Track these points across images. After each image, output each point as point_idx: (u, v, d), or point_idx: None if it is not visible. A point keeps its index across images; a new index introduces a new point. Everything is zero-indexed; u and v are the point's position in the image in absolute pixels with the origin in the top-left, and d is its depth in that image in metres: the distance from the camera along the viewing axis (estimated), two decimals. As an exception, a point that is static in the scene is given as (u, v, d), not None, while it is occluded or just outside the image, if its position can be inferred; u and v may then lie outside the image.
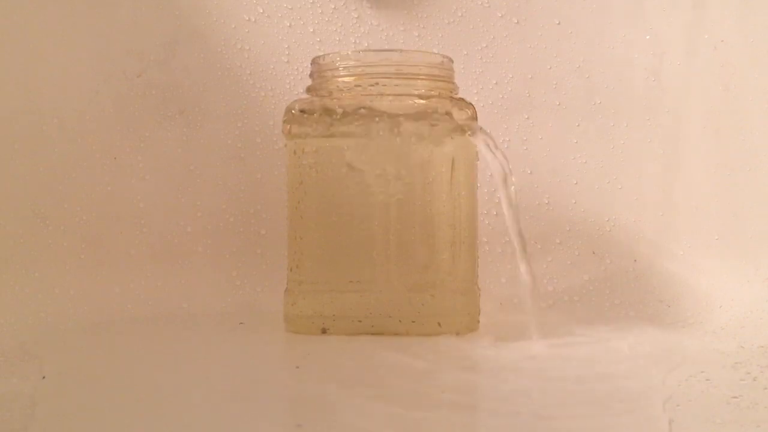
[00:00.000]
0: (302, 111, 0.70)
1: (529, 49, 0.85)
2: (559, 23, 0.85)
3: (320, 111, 0.69)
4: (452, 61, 0.72)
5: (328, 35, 0.85)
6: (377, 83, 0.69)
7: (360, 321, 0.69)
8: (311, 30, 0.85)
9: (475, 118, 0.69)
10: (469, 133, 0.68)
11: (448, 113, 0.68)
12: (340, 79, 0.70)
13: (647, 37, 0.83)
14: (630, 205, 0.83)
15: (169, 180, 0.83)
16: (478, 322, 0.70)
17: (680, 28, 0.82)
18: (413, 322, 0.68)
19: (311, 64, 0.72)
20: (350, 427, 0.48)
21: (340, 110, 0.68)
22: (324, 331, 0.69)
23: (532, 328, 0.66)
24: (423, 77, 0.70)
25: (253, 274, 0.82)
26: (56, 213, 0.78)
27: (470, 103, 0.70)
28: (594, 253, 0.82)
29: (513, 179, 0.67)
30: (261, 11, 0.84)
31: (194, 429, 0.48)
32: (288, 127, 0.70)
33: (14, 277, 0.74)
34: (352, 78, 0.69)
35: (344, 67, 0.70)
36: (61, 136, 0.79)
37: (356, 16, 0.85)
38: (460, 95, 0.72)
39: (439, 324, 0.68)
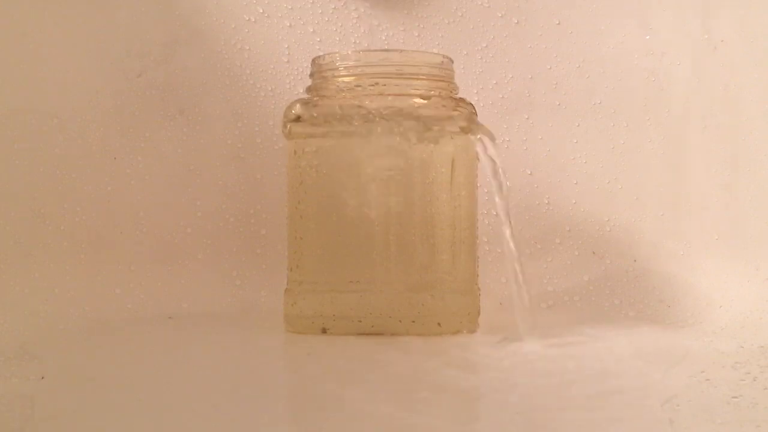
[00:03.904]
0: (302, 111, 0.70)
1: (529, 49, 0.85)
2: (559, 23, 0.85)
3: (320, 111, 0.69)
4: (452, 61, 0.72)
5: (328, 35, 0.85)
6: (377, 83, 0.69)
7: (360, 321, 0.69)
8: (311, 30, 0.85)
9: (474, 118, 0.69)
10: (472, 134, 0.68)
11: (448, 113, 0.68)
12: (340, 79, 0.70)
13: (647, 37, 0.83)
14: (630, 205, 0.83)
15: (169, 180, 0.82)
16: (478, 322, 0.70)
17: (680, 28, 0.82)
18: (413, 322, 0.68)
19: (311, 64, 0.72)
20: (350, 427, 0.48)
21: (340, 110, 0.68)
22: (324, 331, 0.69)
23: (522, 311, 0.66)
24: (423, 77, 0.70)
25: (253, 274, 0.82)
26: (56, 213, 0.78)
27: (470, 103, 0.70)
28: (594, 253, 0.82)
29: (507, 183, 0.67)
30: (261, 11, 0.84)
31: (194, 429, 0.48)
32: (288, 127, 0.70)
33: (14, 277, 0.74)
34: (352, 78, 0.69)
35: (344, 67, 0.70)
36: (61, 136, 0.79)
37: (356, 16, 0.85)
38: (460, 95, 0.72)
39: (439, 324, 0.68)
